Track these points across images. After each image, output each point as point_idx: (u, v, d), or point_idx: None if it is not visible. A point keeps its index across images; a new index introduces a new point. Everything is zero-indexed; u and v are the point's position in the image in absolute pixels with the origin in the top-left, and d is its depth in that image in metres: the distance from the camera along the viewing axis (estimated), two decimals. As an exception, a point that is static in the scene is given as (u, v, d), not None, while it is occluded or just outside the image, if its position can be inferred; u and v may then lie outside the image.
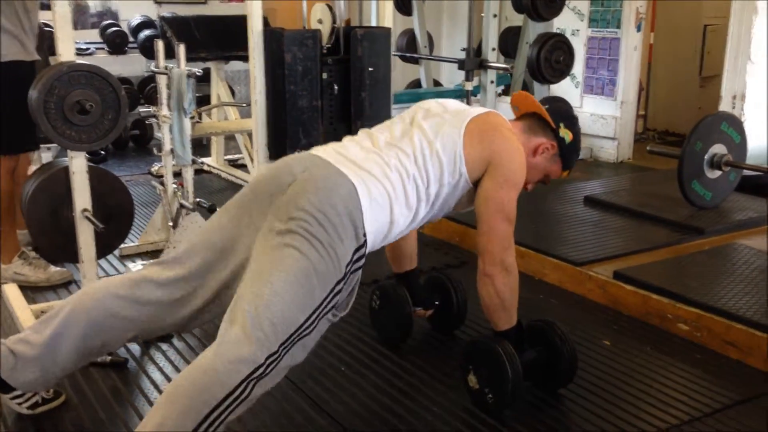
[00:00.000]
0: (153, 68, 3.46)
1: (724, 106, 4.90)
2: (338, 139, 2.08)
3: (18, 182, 3.24)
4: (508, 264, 2.16)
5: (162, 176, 3.78)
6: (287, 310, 1.81)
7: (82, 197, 2.73)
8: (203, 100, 5.36)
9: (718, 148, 3.94)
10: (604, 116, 5.74)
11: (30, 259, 3.32)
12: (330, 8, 3.06)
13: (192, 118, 3.40)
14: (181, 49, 3.30)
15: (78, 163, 2.71)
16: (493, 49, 5.12)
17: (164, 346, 2.72)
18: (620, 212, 4.09)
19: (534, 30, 5.25)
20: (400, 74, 6.71)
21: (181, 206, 3.39)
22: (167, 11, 5.71)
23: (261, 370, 1.76)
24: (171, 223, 3.47)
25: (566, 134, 2.33)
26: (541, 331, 2.37)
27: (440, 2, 7.66)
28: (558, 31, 5.41)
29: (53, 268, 3.35)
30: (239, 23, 3.31)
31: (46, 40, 3.86)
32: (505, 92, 6.17)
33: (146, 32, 6.46)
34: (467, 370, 2.30)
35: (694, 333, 2.80)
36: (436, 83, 6.65)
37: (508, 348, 2.19)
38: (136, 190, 4.80)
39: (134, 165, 5.79)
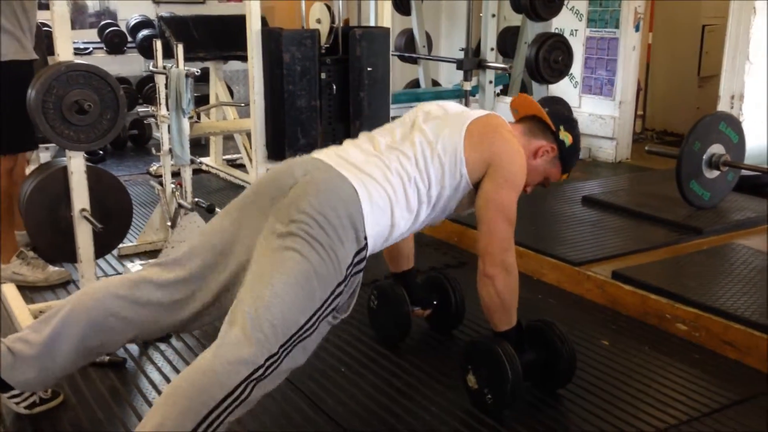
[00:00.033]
0: (151, 68, 3.46)
1: (723, 106, 4.90)
2: (336, 138, 2.09)
3: (16, 182, 3.23)
4: (508, 265, 2.16)
5: (160, 176, 3.77)
6: (287, 311, 1.81)
7: (80, 197, 2.73)
8: (202, 100, 5.36)
9: (717, 148, 3.95)
10: (602, 116, 5.74)
11: (28, 259, 3.32)
12: (328, 8, 3.06)
13: (190, 117, 3.40)
14: (179, 49, 3.29)
15: (76, 163, 2.70)
16: (492, 49, 5.12)
17: (162, 346, 2.72)
18: (618, 212, 4.09)
19: (532, 30, 5.25)
20: (399, 74, 6.71)
21: (180, 206, 3.38)
22: (165, 11, 5.70)
23: (260, 371, 1.76)
24: (169, 223, 3.47)
25: (566, 137, 2.34)
26: (540, 331, 2.37)
27: (439, 2, 7.66)
28: (556, 31, 5.41)
29: (51, 268, 3.34)
30: (238, 23, 3.31)
31: (43, 40, 3.86)
32: (504, 92, 6.17)
33: (144, 32, 6.46)
34: (466, 370, 2.30)
35: (693, 333, 2.80)
36: (435, 83, 6.65)
37: (508, 349, 2.19)
38: (134, 190, 4.80)
39: (133, 165, 5.80)
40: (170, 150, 3.40)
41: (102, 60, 6.33)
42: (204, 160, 5.45)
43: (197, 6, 6.98)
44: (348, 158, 2.08)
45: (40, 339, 2.05)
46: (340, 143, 2.23)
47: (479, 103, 5.16)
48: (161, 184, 3.63)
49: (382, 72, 3.04)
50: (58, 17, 2.58)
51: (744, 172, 4.19)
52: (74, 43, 3.08)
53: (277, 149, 2.93)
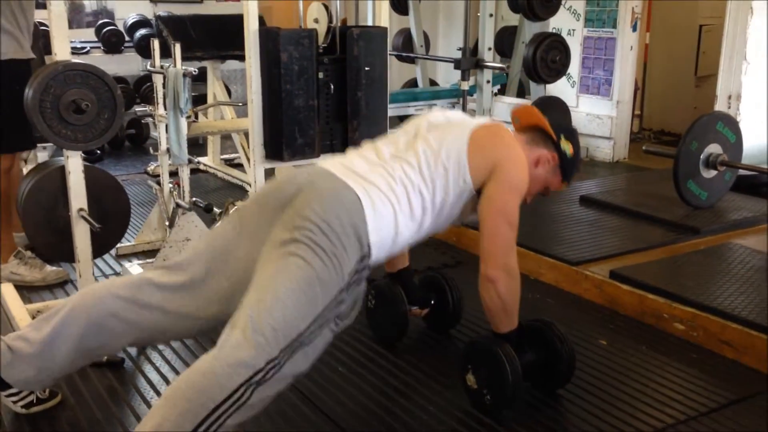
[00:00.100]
0: (149, 67, 3.47)
1: (720, 105, 4.91)
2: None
3: (13, 182, 3.23)
4: (510, 268, 2.16)
5: (158, 176, 3.78)
6: (289, 315, 1.81)
7: (78, 197, 2.73)
8: (199, 100, 5.36)
9: (714, 148, 3.95)
10: (599, 116, 5.75)
11: (26, 259, 3.31)
12: (326, 7, 3.05)
13: (188, 117, 3.40)
14: (177, 48, 3.29)
15: (74, 163, 2.70)
16: (489, 49, 5.14)
17: (161, 346, 2.71)
18: (616, 212, 4.10)
19: (530, 29, 5.26)
20: (397, 74, 6.71)
21: (178, 206, 3.38)
22: (163, 10, 5.70)
23: (261, 374, 1.76)
24: (167, 223, 3.47)
25: (567, 146, 2.35)
26: (539, 331, 2.37)
27: (436, 2, 7.67)
28: (554, 31, 5.42)
29: (49, 268, 3.34)
30: (235, 22, 3.31)
31: (40, 39, 3.86)
32: (501, 92, 6.18)
33: (142, 31, 6.46)
34: (466, 370, 2.30)
35: (690, 332, 2.80)
36: (433, 83, 6.66)
37: (509, 351, 2.19)
38: (132, 190, 4.79)
39: (130, 164, 5.79)
40: (168, 149, 3.40)
41: (99, 59, 6.31)
42: (202, 159, 5.45)
43: (195, 5, 6.97)
44: (352, 167, 2.10)
45: (40, 337, 2.05)
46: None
47: (477, 103, 5.17)
48: (159, 183, 3.63)
49: (380, 71, 3.04)
50: (55, 16, 2.58)
51: (741, 172, 4.20)
52: (71, 42, 3.07)
53: (274, 148, 2.93)
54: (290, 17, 5.81)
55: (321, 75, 2.95)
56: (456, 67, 5.11)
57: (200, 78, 4.92)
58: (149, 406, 2.31)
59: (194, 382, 1.75)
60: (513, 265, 2.17)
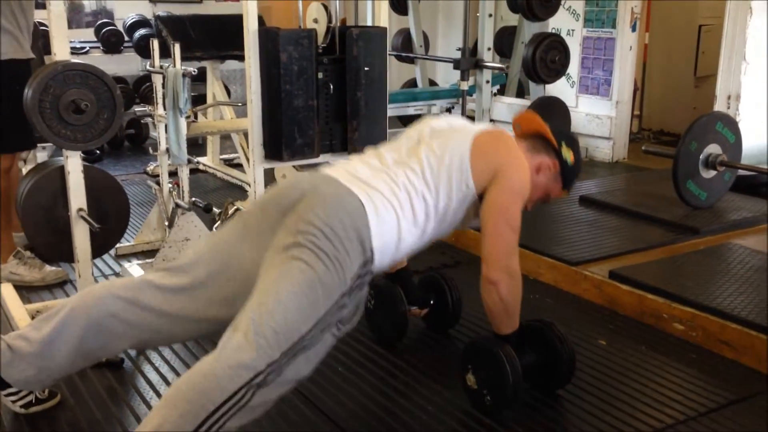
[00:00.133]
0: (148, 67, 3.47)
1: (719, 106, 4.91)
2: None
3: (13, 182, 3.23)
4: (512, 270, 2.17)
5: (157, 176, 3.77)
6: (290, 318, 1.82)
7: (77, 197, 2.72)
8: (199, 100, 5.35)
9: (713, 148, 3.95)
10: (599, 116, 5.75)
11: (25, 259, 3.31)
12: (325, 7, 3.06)
13: (187, 117, 3.40)
14: (176, 48, 3.29)
15: (73, 163, 2.70)
16: (489, 49, 5.13)
17: (160, 347, 2.71)
18: (615, 212, 4.10)
19: (529, 30, 5.26)
20: (396, 74, 6.71)
21: (177, 206, 3.38)
22: (162, 10, 5.68)
23: (261, 377, 1.76)
24: (167, 223, 3.47)
25: (568, 154, 2.36)
26: (539, 331, 2.37)
27: (436, 2, 7.67)
28: (553, 31, 5.42)
29: (48, 268, 3.34)
30: (235, 22, 3.30)
31: (40, 39, 3.86)
32: (501, 92, 6.18)
33: (141, 31, 6.45)
34: (466, 370, 2.30)
35: (689, 332, 2.80)
36: (432, 83, 6.66)
37: (510, 352, 2.19)
38: (131, 190, 4.79)
39: (130, 164, 5.79)
40: (167, 149, 3.40)
41: (99, 59, 6.31)
42: (201, 159, 5.45)
43: (194, 5, 6.96)
44: (355, 173, 2.10)
45: (40, 337, 2.06)
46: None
47: (476, 103, 5.16)
48: (158, 183, 3.63)
49: (379, 72, 3.04)
50: (54, 16, 2.58)
51: (741, 172, 4.20)
52: (71, 42, 3.08)
53: (274, 149, 2.93)
54: (289, 17, 5.82)
55: (320, 75, 2.95)
56: (455, 68, 5.11)
57: (200, 78, 4.92)
58: (149, 406, 2.32)
59: (195, 383, 1.75)
60: (515, 267, 2.18)
